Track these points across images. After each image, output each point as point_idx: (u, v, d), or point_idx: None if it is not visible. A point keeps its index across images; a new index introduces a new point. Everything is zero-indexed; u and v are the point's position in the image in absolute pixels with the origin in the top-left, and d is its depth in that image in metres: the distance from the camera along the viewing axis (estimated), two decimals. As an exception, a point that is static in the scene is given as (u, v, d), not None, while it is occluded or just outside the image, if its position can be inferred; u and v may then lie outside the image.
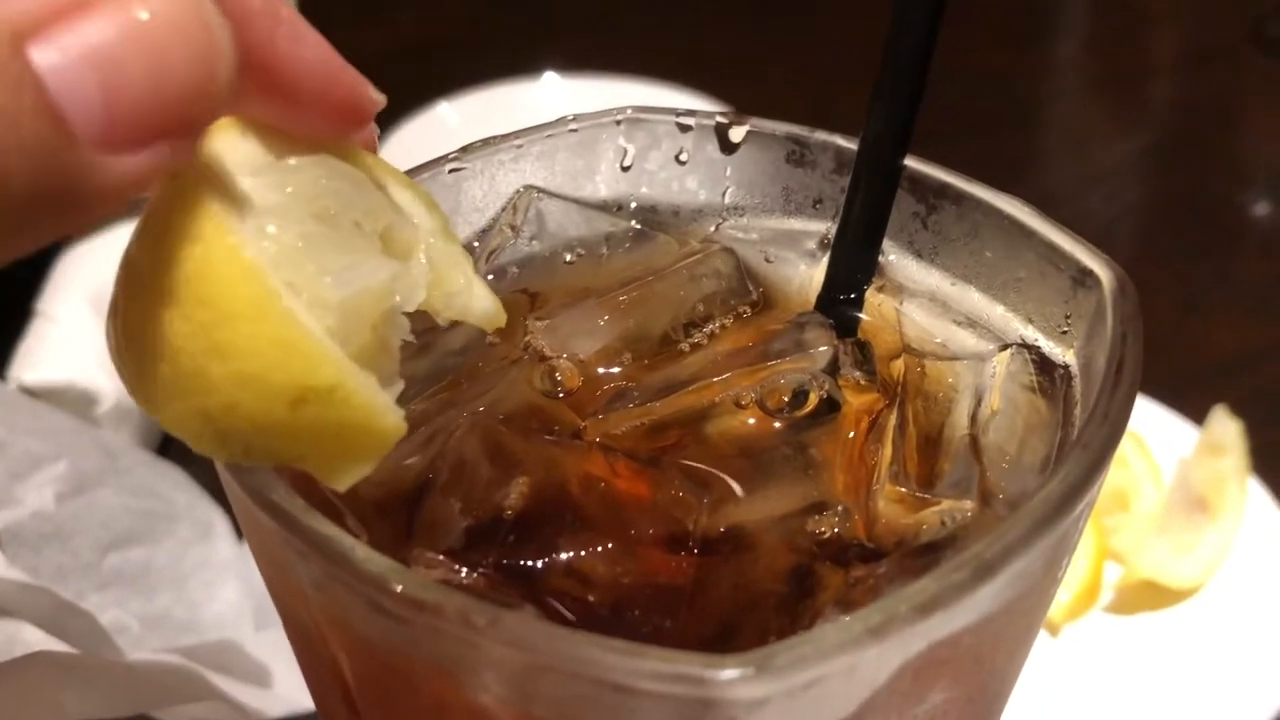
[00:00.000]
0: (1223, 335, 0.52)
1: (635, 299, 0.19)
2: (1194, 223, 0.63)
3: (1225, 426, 0.40)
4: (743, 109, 0.58)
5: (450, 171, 0.20)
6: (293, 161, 0.16)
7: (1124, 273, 0.17)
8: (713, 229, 0.21)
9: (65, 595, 0.31)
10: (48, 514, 0.32)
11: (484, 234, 0.21)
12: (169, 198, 0.15)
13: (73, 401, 0.40)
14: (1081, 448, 0.15)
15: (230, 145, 0.16)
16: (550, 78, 0.59)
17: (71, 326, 0.42)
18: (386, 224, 0.16)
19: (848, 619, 0.13)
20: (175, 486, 0.37)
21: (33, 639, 0.28)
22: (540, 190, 0.21)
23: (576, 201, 0.21)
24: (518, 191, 0.21)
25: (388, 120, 0.62)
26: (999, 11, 0.83)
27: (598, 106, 0.61)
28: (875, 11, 0.79)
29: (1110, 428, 0.15)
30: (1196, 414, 0.43)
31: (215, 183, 0.15)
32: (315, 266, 0.15)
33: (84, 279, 0.44)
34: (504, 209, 0.21)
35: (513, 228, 0.21)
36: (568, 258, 0.21)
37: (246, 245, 0.15)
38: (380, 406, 0.15)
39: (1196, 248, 0.60)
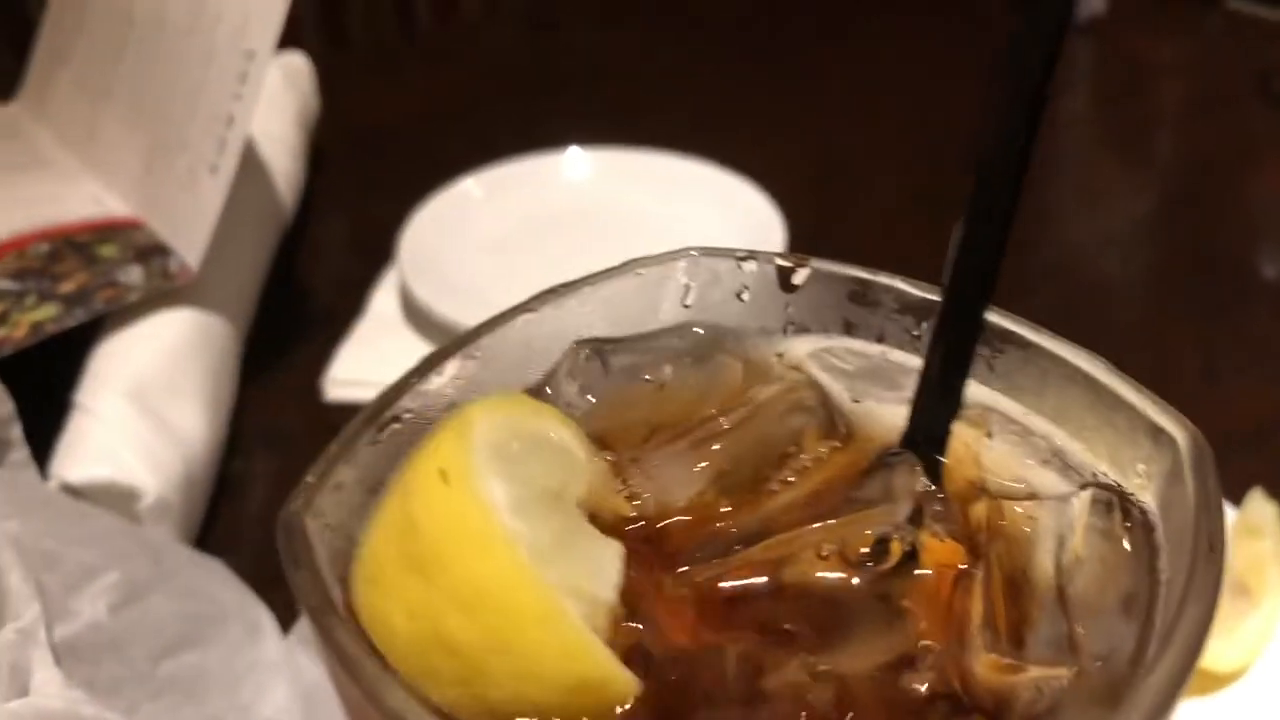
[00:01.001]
0: (1246, 402, 0.53)
1: (725, 439, 0.19)
2: (1210, 282, 0.64)
3: (1262, 509, 0.41)
4: (756, 175, 0.59)
5: (523, 320, 0.21)
6: (516, 447, 0.17)
7: (1199, 434, 0.18)
8: (782, 355, 0.22)
9: (120, 707, 0.31)
10: (102, 625, 0.32)
11: (551, 379, 0.21)
12: (441, 499, 0.16)
13: (115, 498, 0.40)
14: (1180, 633, 0.15)
15: (482, 439, 0.17)
16: (574, 151, 0.60)
17: (111, 421, 0.42)
18: (577, 487, 0.18)
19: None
20: (221, 584, 0.37)
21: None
22: (595, 341, 0.21)
23: (638, 338, 0.21)
24: (573, 346, 0.22)
25: (411, 194, 0.62)
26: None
27: (621, 179, 0.62)
28: (879, 80, 0.80)
29: (1205, 605, 0.15)
30: (1227, 487, 0.43)
31: (479, 482, 0.16)
32: (575, 566, 0.16)
33: (122, 372, 0.45)
34: (561, 361, 0.21)
35: (571, 376, 0.21)
36: (634, 390, 0.21)
37: (521, 549, 0.16)
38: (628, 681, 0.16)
39: (1214, 308, 0.61)
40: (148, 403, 0.43)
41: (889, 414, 0.21)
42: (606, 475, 0.18)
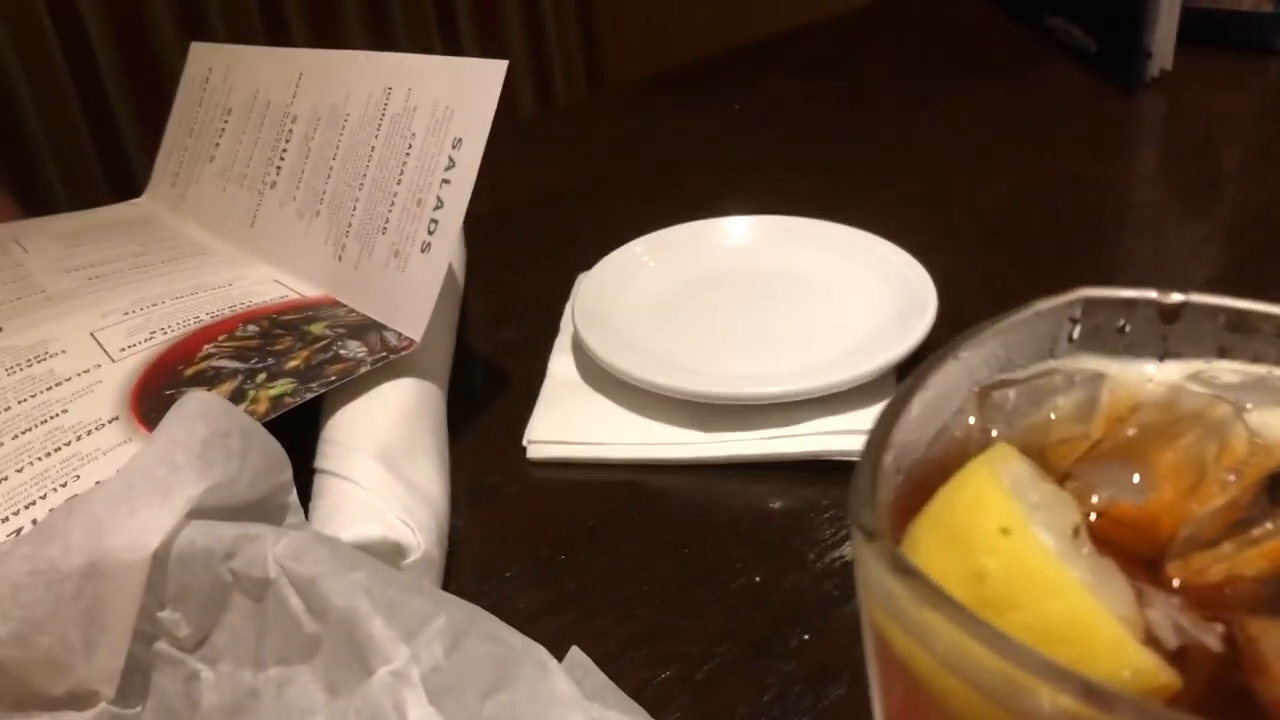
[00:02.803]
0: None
1: (1159, 444, 0.22)
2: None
3: None
4: (891, 236, 0.63)
5: (955, 360, 0.24)
6: (1036, 498, 0.20)
7: None
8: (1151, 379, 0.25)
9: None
10: (441, 668, 0.34)
11: (959, 422, 0.24)
12: (1008, 551, 0.19)
13: (384, 556, 0.43)
14: None
15: (1017, 491, 0.20)
16: (730, 218, 0.64)
17: (368, 483, 0.45)
18: (1076, 522, 0.20)
19: None
20: (505, 630, 0.40)
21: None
22: (1000, 381, 0.24)
23: (1034, 375, 0.24)
24: (971, 392, 0.24)
25: (555, 267, 0.66)
26: (1090, 125, 0.89)
27: (778, 241, 0.66)
28: (970, 143, 0.83)
29: None
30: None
31: (1038, 534, 0.19)
32: (1113, 593, 0.19)
33: (364, 438, 0.47)
34: (966, 405, 0.24)
35: (984, 417, 0.24)
36: (1038, 421, 0.24)
37: (1088, 590, 0.18)
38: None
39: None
40: (394, 465, 0.46)
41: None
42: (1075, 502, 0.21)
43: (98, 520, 0.36)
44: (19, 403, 0.53)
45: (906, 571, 0.18)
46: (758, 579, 0.47)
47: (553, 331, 0.63)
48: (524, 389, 0.58)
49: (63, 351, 0.57)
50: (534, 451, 0.54)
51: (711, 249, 0.64)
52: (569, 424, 0.54)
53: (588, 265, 0.64)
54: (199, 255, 0.70)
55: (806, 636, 0.44)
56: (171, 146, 0.83)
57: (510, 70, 0.51)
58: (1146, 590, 0.20)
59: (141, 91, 1.62)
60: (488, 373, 0.62)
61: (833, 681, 0.42)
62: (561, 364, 0.59)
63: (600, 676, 0.40)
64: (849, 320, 0.57)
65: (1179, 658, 0.19)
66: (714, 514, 0.51)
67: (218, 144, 0.76)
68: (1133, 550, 0.21)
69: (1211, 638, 0.19)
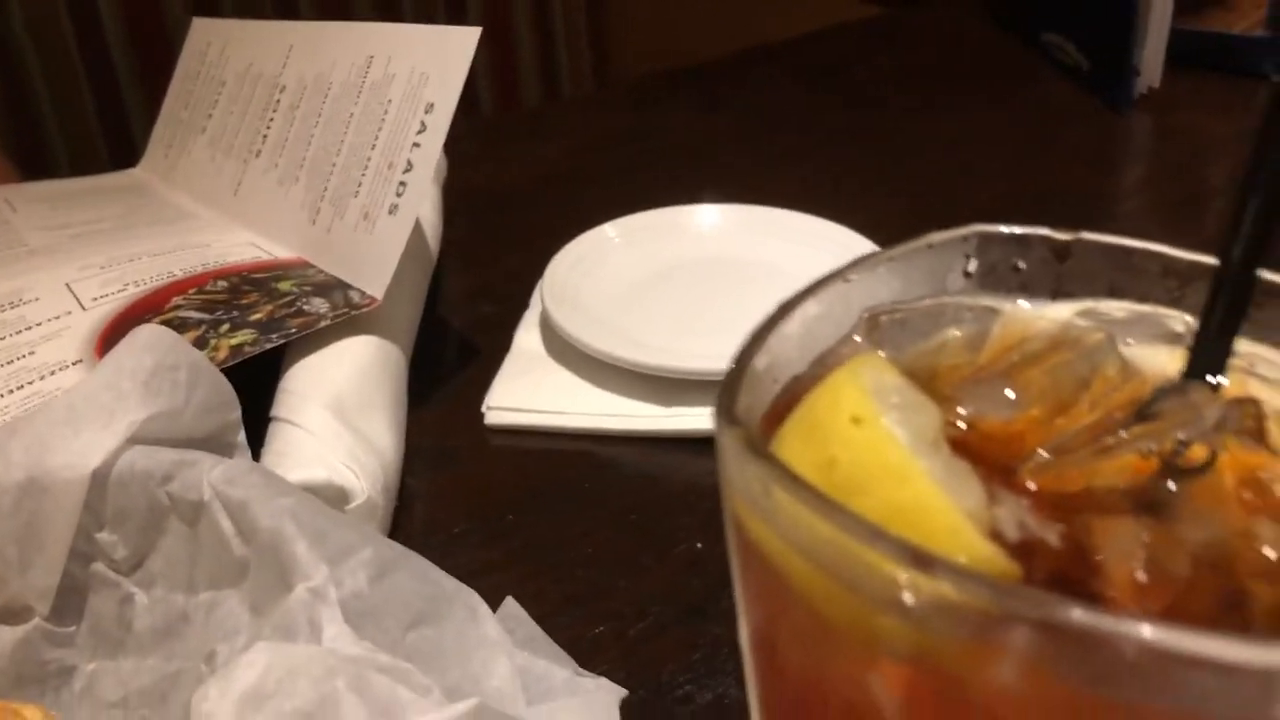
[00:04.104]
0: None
1: (1035, 370, 0.23)
2: None
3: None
4: (865, 230, 0.63)
5: (844, 283, 0.24)
6: (896, 399, 0.20)
7: None
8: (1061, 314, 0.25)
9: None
10: (363, 594, 0.35)
11: (848, 342, 0.25)
12: (859, 439, 0.20)
13: (327, 499, 0.44)
14: None
15: (875, 391, 0.20)
16: (704, 206, 0.65)
17: (318, 431, 0.45)
18: (938, 427, 0.21)
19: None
20: (438, 573, 0.40)
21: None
22: (889, 307, 0.25)
23: (928, 303, 0.25)
24: (861, 317, 0.25)
25: (533, 249, 0.67)
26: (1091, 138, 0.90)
27: (752, 230, 0.66)
28: (966, 146, 0.85)
29: None
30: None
31: (888, 425, 0.20)
32: (961, 490, 0.19)
33: (319, 389, 0.48)
34: (858, 325, 0.25)
35: (872, 338, 0.25)
36: (928, 347, 0.25)
37: (931, 478, 0.19)
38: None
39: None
40: (346, 416, 0.47)
41: (1160, 357, 0.24)
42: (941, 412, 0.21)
43: (40, 438, 0.37)
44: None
45: (760, 455, 0.19)
46: (699, 546, 0.47)
47: (525, 308, 0.63)
48: (492, 361, 0.59)
49: (36, 299, 0.58)
50: (492, 418, 0.54)
51: (682, 234, 0.65)
52: (529, 393, 0.55)
53: (561, 241, 0.65)
54: (182, 219, 0.71)
55: (740, 600, 0.44)
56: (167, 118, 0.84)
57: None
58: (999, 492, 0.20)
59: (148, 67, 1.64)
60: (460, 344, 0.63)
61: (761, 643, 0.42)
62: (528, 338, 0.60)
63: (533, 627, 0.41)
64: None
65: (1023, 554, 0.19)
66: (663, 485, 0.51)
67: (210, 115, 0.77)
68: (997, 462, 0.21)
69: (1053, 535, 0.19)
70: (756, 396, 0.22)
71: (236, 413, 0.42)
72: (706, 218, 0.65)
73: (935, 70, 1.08)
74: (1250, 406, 0.21)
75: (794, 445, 0.20)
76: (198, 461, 0.37)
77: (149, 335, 0.40)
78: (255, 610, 0.35)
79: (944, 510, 0.18)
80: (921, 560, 0.16)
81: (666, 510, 0.50)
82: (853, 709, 0.19)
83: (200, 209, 0.72)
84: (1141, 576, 0.18)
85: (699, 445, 0.53)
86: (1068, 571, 0.19)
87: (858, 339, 0.25)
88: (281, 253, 0.61)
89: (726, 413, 0.20)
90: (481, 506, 0.50)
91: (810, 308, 0.23)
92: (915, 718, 0.19)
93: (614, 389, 0.55)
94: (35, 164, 1.45)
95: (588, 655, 0.42)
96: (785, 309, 0.23)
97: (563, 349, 0.57)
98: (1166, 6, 0.89)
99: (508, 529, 0.49)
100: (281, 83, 0.70)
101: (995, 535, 0.19)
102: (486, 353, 0.60)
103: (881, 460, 0.19)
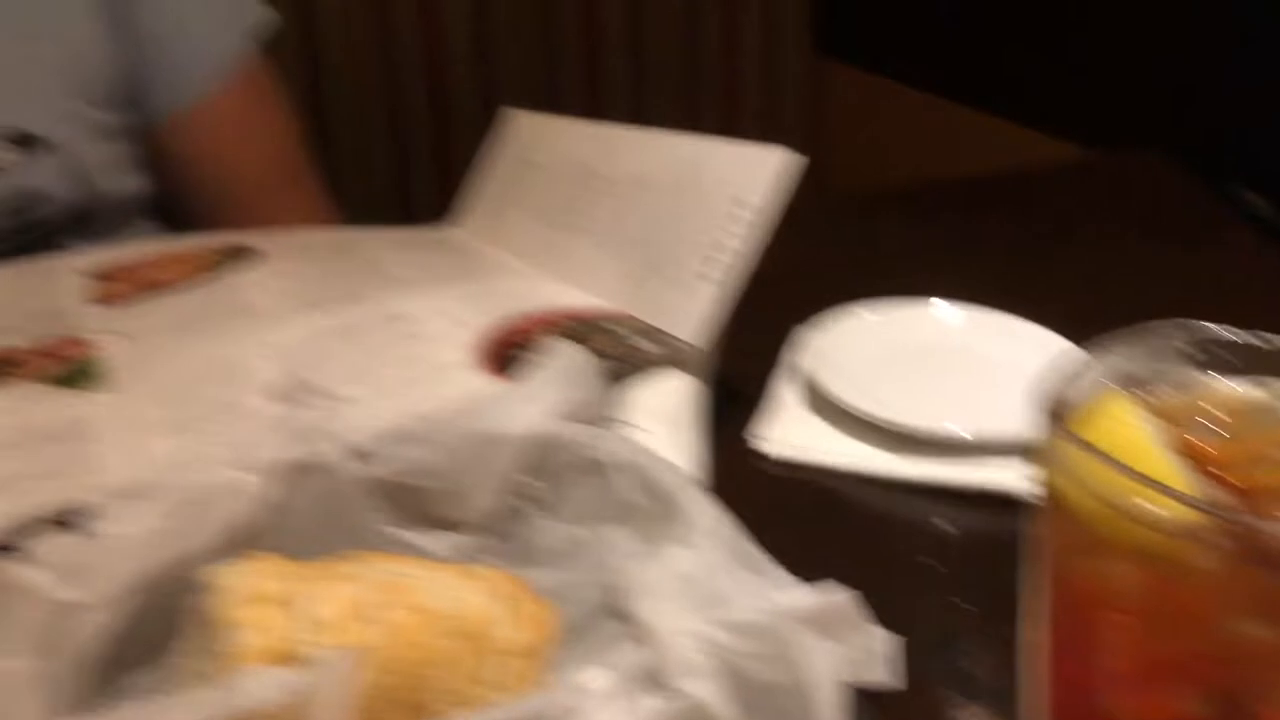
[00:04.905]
0: None
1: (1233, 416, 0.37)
2: None
3: None
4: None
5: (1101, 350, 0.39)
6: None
7: None
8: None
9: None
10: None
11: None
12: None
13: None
14: None
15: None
16: (938, 302, 0.79)
17: (656, 436, 0.61)
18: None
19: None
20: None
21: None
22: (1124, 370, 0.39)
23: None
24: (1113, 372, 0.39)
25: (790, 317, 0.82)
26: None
27: (984, 331, 0.81)
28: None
29: None
30: None
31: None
32: None
33: (653, 406, 0.64)
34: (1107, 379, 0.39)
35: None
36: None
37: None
38: None
39: None
40: (678, 431, 0.63)
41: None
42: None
43: (497, 407, 0.54)
44: (382, 346, 0.72)
45: (1076, 439, 0.34)
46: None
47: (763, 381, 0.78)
48: (746, 405, 0.74)
49: (416, 317, 0.76)
50: (764, 447, 0.69)
51: (925, 323, 0.79)
52: (798, 433, 0.70)
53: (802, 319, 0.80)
54: (510, 271, 0.89)
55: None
56: (482, 190, 1.03)
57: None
58: (1202, 478, 0.34)
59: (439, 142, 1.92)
60: (725, 391, 0.78)
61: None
62: (786, 393, 0.75)
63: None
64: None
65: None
66: (897, 522, 0.65)
67: (527, 191, 0.96)
68: (1200, 465, 0.36)
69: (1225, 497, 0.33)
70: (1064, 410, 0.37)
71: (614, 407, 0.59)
72: (946, 313, 0.80)
73: (1132, 214, 1.20)
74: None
75: (1090, 436, 0.35)
76: (603, 434, 0.53)
77: (562, 346, 0.57)
78: (647, 539, 0.50)
79: (1171, 475, 0.33)
80: (1164, 489, 0.31)
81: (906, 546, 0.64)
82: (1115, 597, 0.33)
83: (521, 265, 0.90)
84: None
85: (932, 495, 0.66)
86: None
87: (1110, 383, 0.39)
88: (606, 306, 0.78)
89: (1055, 415, 0.35)
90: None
91: (1084, 365, 0.38)
92: (1146, 603, 0.33)
93: (863, 439, 0.69)
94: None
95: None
96: (1070, 366, 0.38)
97: (825, 401, 0.72)
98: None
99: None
100: (600, 170, 0.88)
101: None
102: (743, 401, 0.75)
103: (1139, 447, 0.33)
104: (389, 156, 1.91)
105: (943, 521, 0.65)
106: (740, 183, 0.70)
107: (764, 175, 0.69)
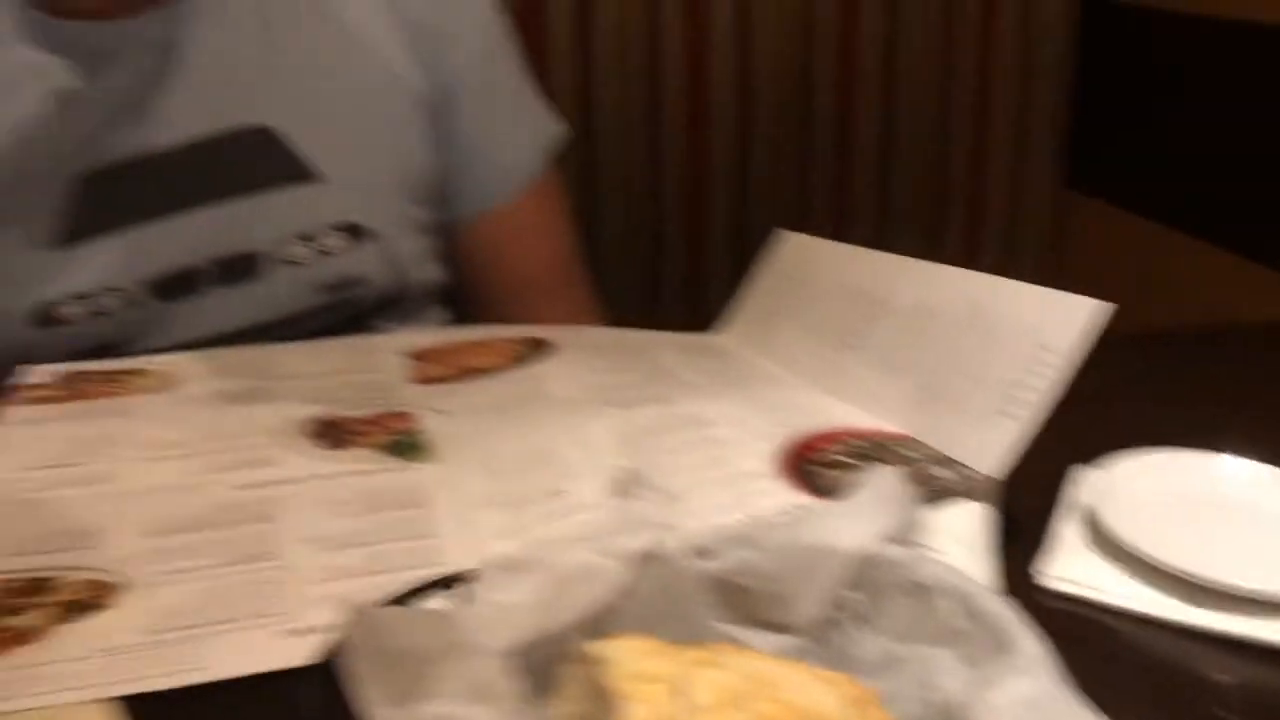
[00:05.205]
0: None
1: None
2: None
3: None
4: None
5: None
6: None
7: None
8: None
9: None
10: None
11: None
12: None
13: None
14: None
15: None
16: (1226, 458, 0.80)
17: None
18: None
19: None
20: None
21: None
22: None
23: None
24: None
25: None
26: None
27: (1271, 487, 0.82)
28: None
29: None
30: None
31: None
32: None
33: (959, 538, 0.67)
34: None
35: None
36: None
37: None
38: None
39: None
40: (976, 556, 0.66)
41: None
42: None
43: (831, 522, 0.58)
44: (685, 447, 0.78)
45: None
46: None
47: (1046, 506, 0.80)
48: (1030, 536, 0.76)
49: (711, 420, 0.82)
50: (1046, 582, 0.71)
51: (1209, 472, 0.80)
52: (1080, 572, 0.72)
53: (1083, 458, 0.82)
54: (779, 383, 0.94)
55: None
56: (748, 300, 1.09)
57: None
58: None
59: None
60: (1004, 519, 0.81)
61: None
62: (1066, 530, 0.77)
63: None
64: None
65: None
66: (1178, 669, 0.66)
67: (797, 308, 1.01)
68: None
69: None
70: None
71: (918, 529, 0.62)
72: (1223, 462, 0.80)
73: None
74: None
75: None
76: (924, 557, 0.57)
77: (884, 475, 0.61)
78: (972, 664, 0.53)
79: None
80: None
81: (1189, 694, 0.65)
82: None
83: (795, 379, 0.96)
84: None
85: (1213, 644, 0.67)
86: None
87: None
88: (887, 427, 0.82)
89: None
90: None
91: None
92: None
93: (1145, 582, 0.70)
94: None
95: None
96: None
97: (1108, 543, 0.73)
98: None
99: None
100: (878, 295, 0.93)
101: None
102: (1023, 534, 0.78)
103: None
104: (644, 271, 2.03)
105: (1224, 674, 0.66)
106: (1048, 328, 0.73)
107: (1074, 322, 0.72)
